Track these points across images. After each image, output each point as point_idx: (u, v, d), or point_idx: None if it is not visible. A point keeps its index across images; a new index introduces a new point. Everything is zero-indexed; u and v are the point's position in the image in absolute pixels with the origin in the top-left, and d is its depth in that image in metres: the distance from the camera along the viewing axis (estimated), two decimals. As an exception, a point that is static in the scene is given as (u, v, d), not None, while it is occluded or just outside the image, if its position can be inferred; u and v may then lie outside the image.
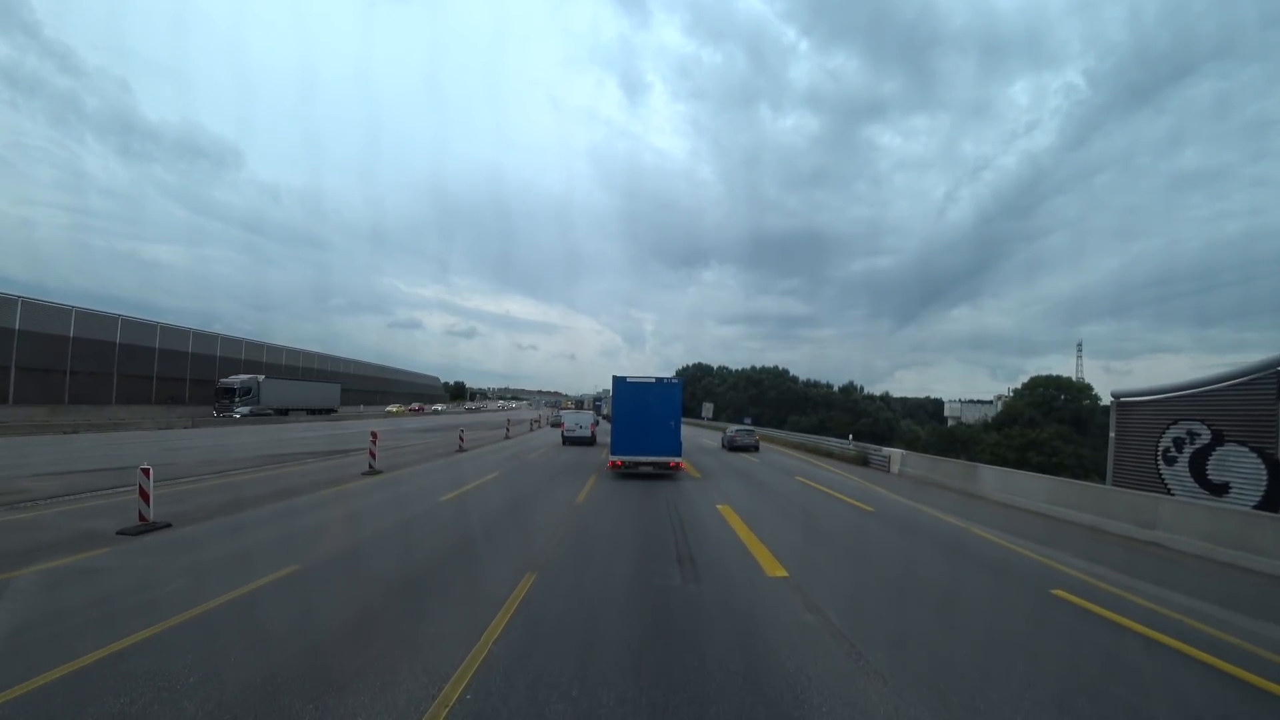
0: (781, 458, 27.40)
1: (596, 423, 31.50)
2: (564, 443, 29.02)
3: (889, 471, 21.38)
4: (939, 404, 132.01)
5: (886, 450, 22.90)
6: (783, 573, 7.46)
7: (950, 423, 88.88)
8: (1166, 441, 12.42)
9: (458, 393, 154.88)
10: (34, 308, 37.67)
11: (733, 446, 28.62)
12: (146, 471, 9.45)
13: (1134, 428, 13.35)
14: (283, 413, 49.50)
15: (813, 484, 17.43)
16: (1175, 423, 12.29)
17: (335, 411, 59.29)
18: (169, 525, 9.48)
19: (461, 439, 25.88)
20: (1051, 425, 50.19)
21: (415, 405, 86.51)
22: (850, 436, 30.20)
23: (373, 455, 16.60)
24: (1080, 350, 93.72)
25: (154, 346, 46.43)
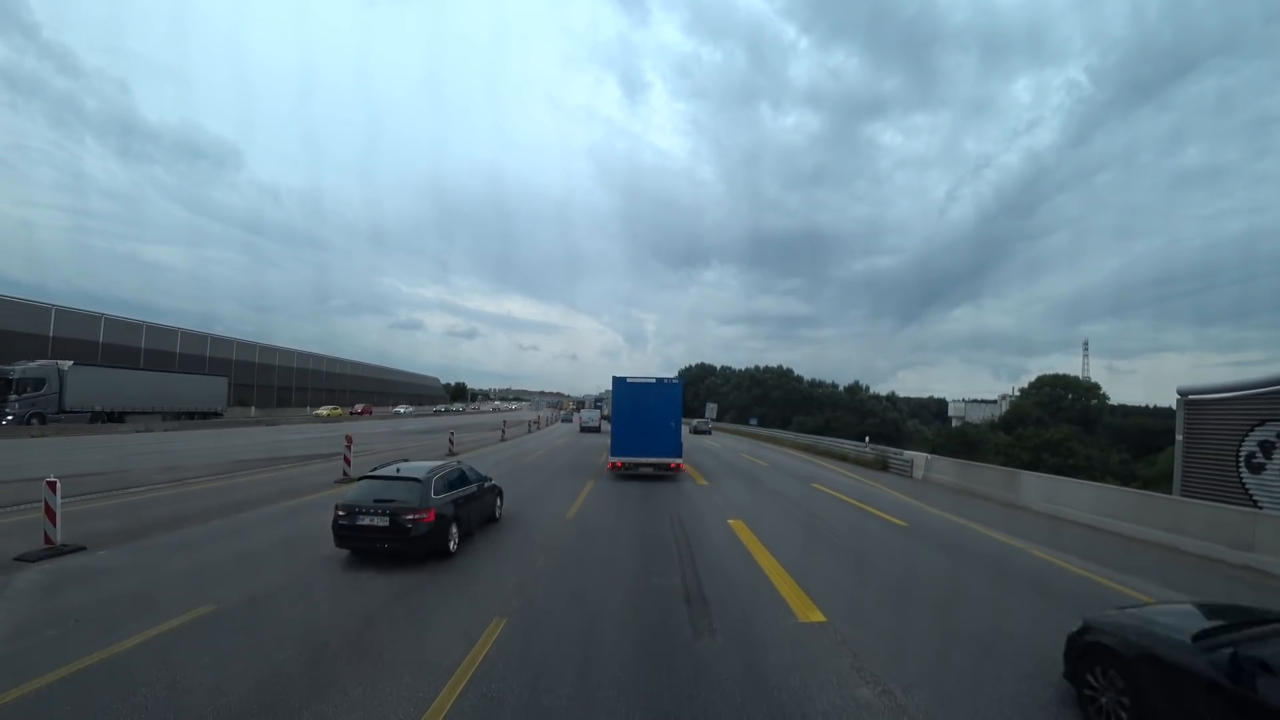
0: (791, 461, 25.82)
1: (603, 417, 42.40)
2: (580, 430, 41.64)
3: (911, 477, 19.77)
4: (942, 404, 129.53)
5: (909, 454, 21.23)
6: (819, 616, 5.93)
7: (954, 422, 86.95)
8: (1251, 445, 10.75)
9: (458, 393, 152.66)
10: (11, 305, 36.28)
11: (695, 431, 44.48)
12: (53, 485, 7.95)
13: (1208, 430, 11.68)
14: (115, 417, 35.36)
15: (831, 492, 15.83)
16: (1261, 424, 10.62)
17: (219, 415, 43.78)
18: (82, 548, 8.05)
19: (451, 442, 24.39)
20: (1060, 425, 48.38)
21: (359, 407, 66.82)
22: (866, 439, 28.50)
23: (347, 462, 15.11)
24: (1086, 349, 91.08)
25: (139, 346, 45.05)
